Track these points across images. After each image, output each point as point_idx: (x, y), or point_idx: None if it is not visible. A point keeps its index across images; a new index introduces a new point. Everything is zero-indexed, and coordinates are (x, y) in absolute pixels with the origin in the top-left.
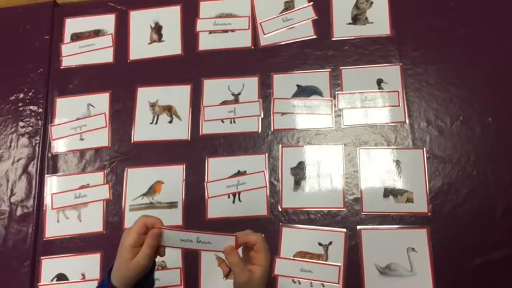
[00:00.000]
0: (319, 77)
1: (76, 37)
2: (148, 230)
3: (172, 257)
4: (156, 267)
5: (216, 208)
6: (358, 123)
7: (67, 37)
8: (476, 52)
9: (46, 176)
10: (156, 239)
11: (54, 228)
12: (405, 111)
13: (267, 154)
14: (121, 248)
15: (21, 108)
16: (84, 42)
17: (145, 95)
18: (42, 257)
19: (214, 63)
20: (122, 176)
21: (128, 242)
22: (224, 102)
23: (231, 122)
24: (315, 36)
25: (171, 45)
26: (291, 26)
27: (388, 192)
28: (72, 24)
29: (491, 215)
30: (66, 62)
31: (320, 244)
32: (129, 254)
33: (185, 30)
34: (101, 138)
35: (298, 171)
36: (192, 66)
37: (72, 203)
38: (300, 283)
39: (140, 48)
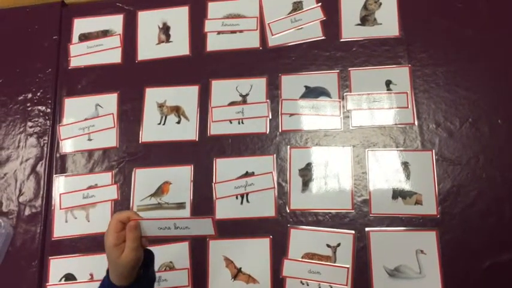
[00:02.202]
0: (327, 78)
1: (84, 37)
2: (125, 226)
3: (180, 258)
4: (164, 268)
5: (224, 209)
6: (367, 125)
7: (75, 37)
8: (485, 53)
9: (54, 176)
10: (136, 231)
11: (62, 228)
12: (414, 112)
13: (275, 155)
14: (107, 252)
15: (29, 108)
16: (92, 43)
17: (153, 96)
18: (50, 257)
19: (222, 64)
20: (130, 176)
21: (109, 243)
22: (232, 103)
23: (239, 123)
24: (323, 37)
25: (179, 45)
26: (299, 27)
27: (397, 194)
28: (80, 25)
29: (500, 217)
30: (75, 62)
31: (328, 246)
32: (115, 254)
33: (193, 30)
34: (109, 139)
35: (306, 173)
36: (200, 67)
37: (80, 203)
38: (308, 285)
39: (148, 48)
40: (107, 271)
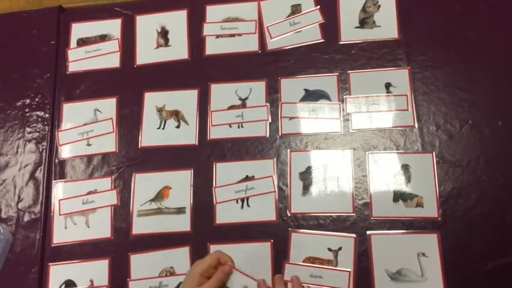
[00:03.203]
0: (327, 81)
1: (82, 42)
2: (219, 265)
3: (181, 263)
4: (165, 273)
5: (225, 213)
6: (367, 128)
7: (73, 42)
8: (484, 55)
9: (53, 181)
10: (226, 275)
11: (62, 234)
12: (414, 115)
13: (275, 159)
14: (190, 274)
15: (27, 114)
16: (91, 47)
17: (153, 100)
18: (50, 263)
19: (221, 68)
20: (130, 181)
21: (197, 270)
22: (231, 107)
23: (238, 127)
24: (322, 40)
25: (178, 49)
26: (298, 30)
27: (398, 197)
28: (78, 29)
29: (502, 219)
30: (73, 67)
31: (330, 249)
32: (195, 281)
33: (192, 34)
34: (108, 144)
35: (307, 176)
36: (199, 71)
37: (79, 209)
38: None
39: (147, 53)
40: None
